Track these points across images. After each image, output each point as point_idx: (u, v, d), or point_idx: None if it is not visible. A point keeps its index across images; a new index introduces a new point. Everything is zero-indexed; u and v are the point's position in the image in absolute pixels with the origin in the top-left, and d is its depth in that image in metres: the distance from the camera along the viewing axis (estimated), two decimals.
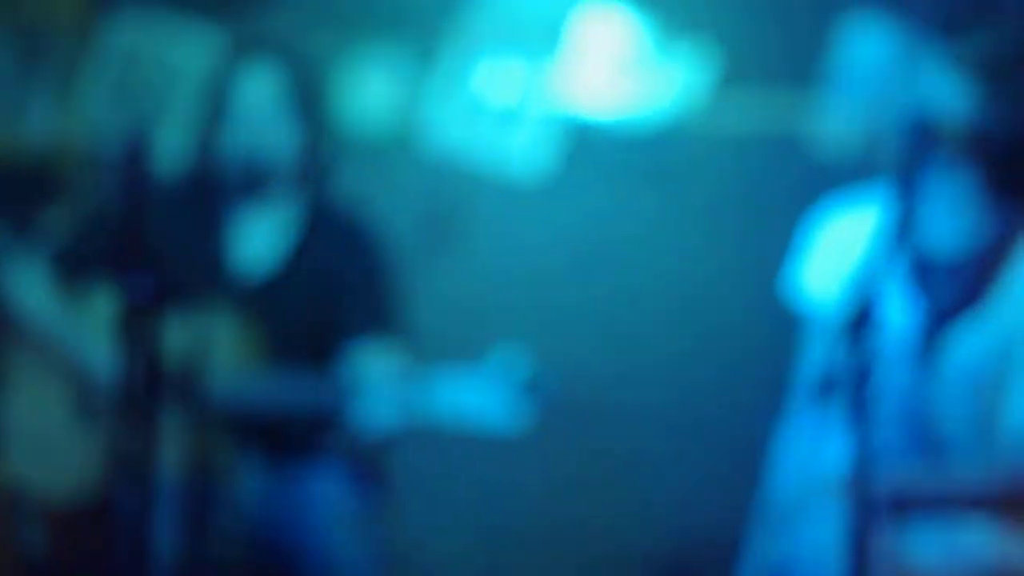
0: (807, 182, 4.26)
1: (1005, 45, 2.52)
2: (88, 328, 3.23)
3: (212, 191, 3.20)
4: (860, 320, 2.24)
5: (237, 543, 3.08)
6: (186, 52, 4.16)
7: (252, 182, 3.19)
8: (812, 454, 2.74)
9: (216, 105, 3.25)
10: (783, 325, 4.21)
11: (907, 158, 2.44)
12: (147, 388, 2.43)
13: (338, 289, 3.27)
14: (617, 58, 4.31)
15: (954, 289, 2.62)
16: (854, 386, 2.21)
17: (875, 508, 2.24)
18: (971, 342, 2.61)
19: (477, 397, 3.00)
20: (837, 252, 2.76)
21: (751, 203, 4.38)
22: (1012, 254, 2.61)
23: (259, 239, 3.24)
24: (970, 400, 2.61)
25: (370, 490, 3.27)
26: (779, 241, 4.25)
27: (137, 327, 2.38)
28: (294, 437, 3.27)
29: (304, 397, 3.08)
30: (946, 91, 2.55)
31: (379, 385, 3.04)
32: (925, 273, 2.62)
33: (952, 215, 2.63)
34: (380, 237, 3.36)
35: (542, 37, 4.35)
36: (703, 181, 4.43)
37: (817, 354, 2.77)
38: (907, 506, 2.33)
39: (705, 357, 4.43)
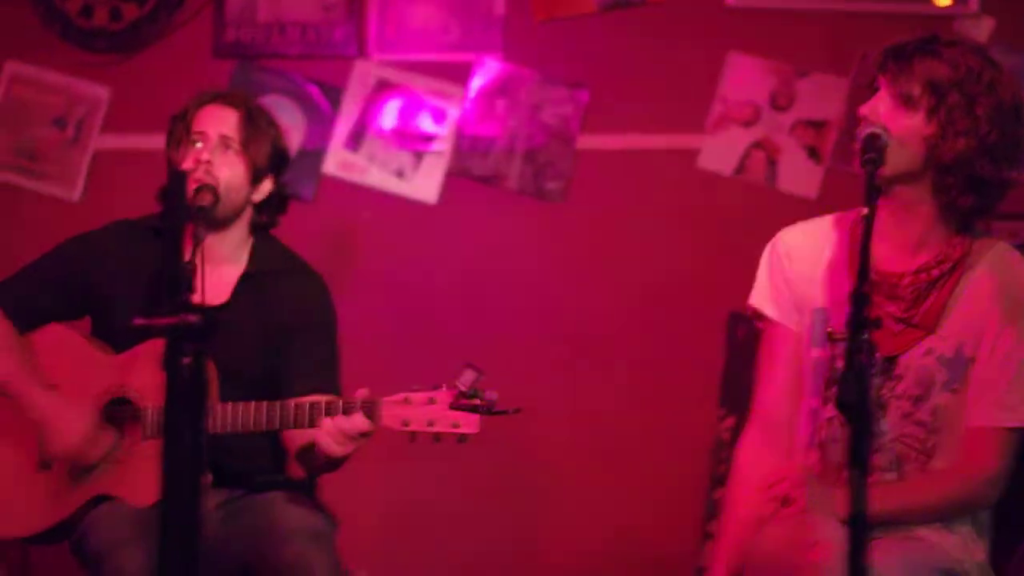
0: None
1: (941, 71, 2.74)
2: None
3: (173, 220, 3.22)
4: (854, 335, 2.35)
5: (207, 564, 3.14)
6: None
7: (207, 213, 3.25)
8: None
9: (178, 137, 3.32)
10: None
11: (865, 184, 2.62)
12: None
13: (282, 328, 3.37)
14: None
15: (906, 308, 2.80)
16: (855, 396, 2.32)
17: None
18: (924, 359, 2.80)
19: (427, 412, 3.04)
20: (791, 273, 2.92)
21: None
22: (959, 273, 2.81)
23: (214, 272, 3.27)
24: (925, 413, 2.80)
25: (327, 508, 3.35)
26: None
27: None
28: (254, 463, 3.38)
29: (260, 424, 3.15)
30: (896, 119, 2.75)
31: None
32: (879, 294, 2.76)
33: (904, 238, 2.82)
34: (322, 282, 3.46)
35: None
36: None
37: (780, 370, 2.92)
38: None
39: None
